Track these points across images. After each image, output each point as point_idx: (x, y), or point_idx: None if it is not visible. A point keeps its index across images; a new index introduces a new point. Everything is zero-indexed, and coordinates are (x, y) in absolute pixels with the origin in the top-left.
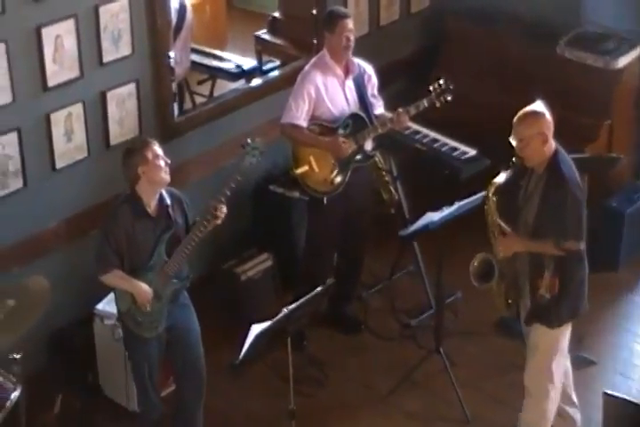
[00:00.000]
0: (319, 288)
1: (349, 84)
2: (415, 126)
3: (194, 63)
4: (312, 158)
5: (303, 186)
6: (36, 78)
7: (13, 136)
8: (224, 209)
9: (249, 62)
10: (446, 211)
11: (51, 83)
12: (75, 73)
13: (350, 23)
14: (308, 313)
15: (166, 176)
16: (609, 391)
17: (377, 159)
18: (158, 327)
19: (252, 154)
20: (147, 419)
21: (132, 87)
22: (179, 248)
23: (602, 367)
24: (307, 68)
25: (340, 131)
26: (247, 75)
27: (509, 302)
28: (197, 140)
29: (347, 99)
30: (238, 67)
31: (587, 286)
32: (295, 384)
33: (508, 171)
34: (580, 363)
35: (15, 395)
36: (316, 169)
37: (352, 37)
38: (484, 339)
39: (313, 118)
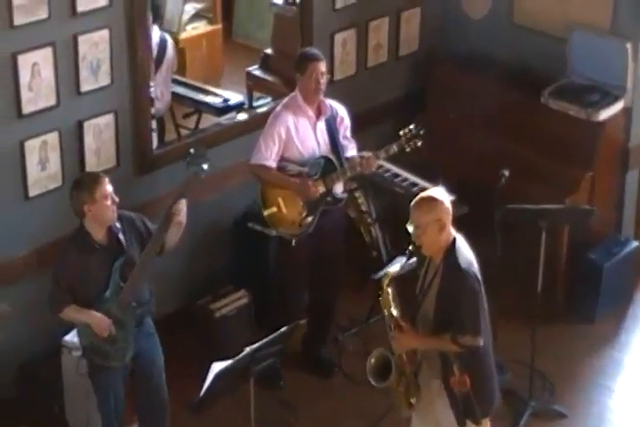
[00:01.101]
0: (283, 328)
1: (321, 125)
2: (395, 169)
3: (180, 96)
4: (280, 200)
5: (272, 227)
6: (10, 105)
7: None
8: (184, 209)
9: (236, 97)
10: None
11: (26, 110)
12: (51, 101)
13: (322, 66)
14: (273, 353)
15: (113, 215)
16: None
17: (360, 201)
18: (126, 355)
19: (195, 163)
20: None
21: (109, 118)
22: (134, 270)
23: (573, 421)
24: (278, 108)
25: (310, 173)
26: (233, 110)
27: (411, 401)
28: (176, 173)
29: (317, 140)
30: (225, 101)
31: (496, 380)
32: (264, 425)
33: (404, 260)
34: (551, 415)
35: None
36: (284, 210)
37: (322, 80)
38: None
39: (282, 159)
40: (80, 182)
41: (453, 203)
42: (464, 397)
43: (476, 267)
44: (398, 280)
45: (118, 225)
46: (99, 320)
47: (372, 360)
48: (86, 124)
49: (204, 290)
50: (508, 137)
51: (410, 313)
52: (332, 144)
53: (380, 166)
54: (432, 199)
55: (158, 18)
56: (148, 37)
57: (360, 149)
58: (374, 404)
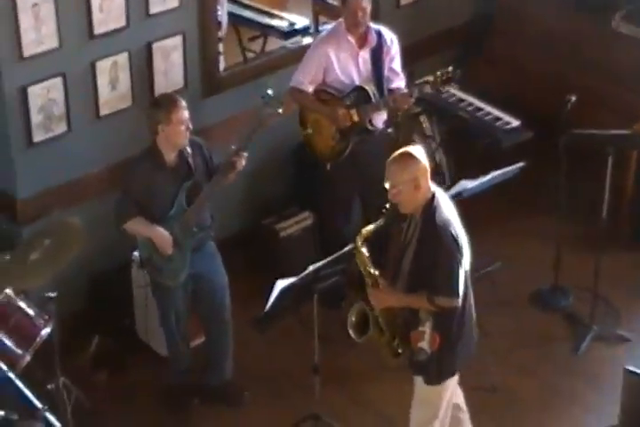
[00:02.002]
0: (345, 248)
1: (364, 55)
2: (460, 94)
3: (246, 20)
4: (315, 123)
5: (308, 149)
6: (82, 26)
7: (58, 81)
8: (243, 160)
9: (302, 21)
10: (480, 180)
11: (97, 31)
12: (121, 23)
13: (363, 2)
14: (335, 272)
15: (185, 141)
16: (631, 368)
17: (424, 126)
18: (180, 276)
19: (271, 104)
20: (175, 366)
21: (178, 40)
22: (199, 197)
23: (637, 346)
24: (322, 35)
25: (346, 102)
26: (298, 34)
27: (399, 351)
28: (240, 96)
29: (358, 70)
30: (291, 25)
31: (473, 340)
32: (327, 343)
33: (380, 219)
34: (614, 339)
35: (46, 332)
36: (319, 134)
37: (361, 15)
38: (519, 310)
39: (324, 84)
40: (159, 102)
41: (518, 128)
42: (428, 354)
43: (454, 225)
44: (380, 235)
45: (189, 150)
46: (162, 236)
47: (352, 317)
48: (155, 46)
49: (269, 211)
50: (576, 63)
51: (391, 269)
52: (375, 75)
53: (445, 91)
54: (408, 157)
55: None
56: None
57: (423, 75)
58: None
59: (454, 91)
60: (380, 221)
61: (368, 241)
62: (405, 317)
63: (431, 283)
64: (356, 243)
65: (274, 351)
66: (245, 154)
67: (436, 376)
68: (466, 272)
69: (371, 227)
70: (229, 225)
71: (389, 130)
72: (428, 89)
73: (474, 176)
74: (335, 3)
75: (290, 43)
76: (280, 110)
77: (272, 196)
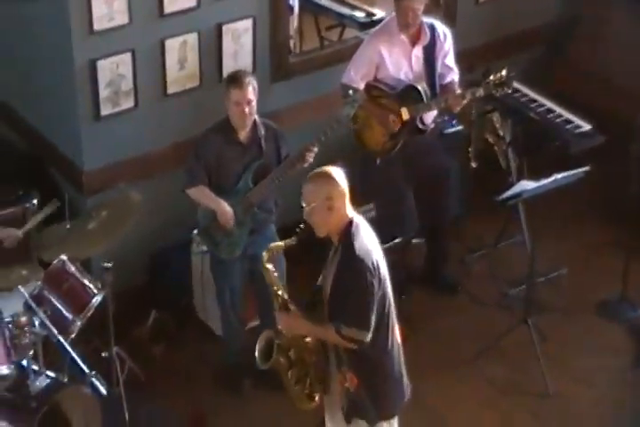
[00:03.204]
0: (396, 240)
1: (417, 52)
2: (532, 94)
3: (325, 8)
4: (366, 120)
5: (357, 144)
6: (153, 3)
7: (127, 57)
8: (313, 154)
9: (381, 13)
10: (541, 182)
11: (167, 9)
12: (192, 3)
13: (414, 3)
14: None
15: (244, 122)
16: None
17: (496, 125)
18: (235, 251)
19: (352, 105)
20: (229, 346)
21: (248, 23)
22: (265, 179)
23: None
24: (374, 30)
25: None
26: (376, 25)
27: (314, 396)
28: (310, 83)
29: (411, 67)
30: (368, 16)
31: (400, 383)
32: None
33: (292, 237)
34: None
35: (97, 299)
36: (369, 130)
37: (412, 15)
38: (583, 318)
39: (375, 80)
40: (228, 77)
41: (589, 132)
42: (354, 395)
43: (373, 256)
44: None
45: (263, 132)
46: (224, 210)
47: (262, 343)
48: (225, 28)
49: None
50: None
51: (318, 295)
52: (428, 72)
53: (518, 91)
54: (326, 177)
55: None
56: None
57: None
58: (494, 326)
59: (527, 91)
60: (292, 239)
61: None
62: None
63: (342, 312)
64: (262, 260)
65: None
66: (316, 149)
67: (366, 416)
68: (388, 307)
69: (280, 243)
70: (294, 212)
71: (460, 127)
72: (480, 92)
73: (539, 178)
74: None
75: (365, 33)
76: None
77: None
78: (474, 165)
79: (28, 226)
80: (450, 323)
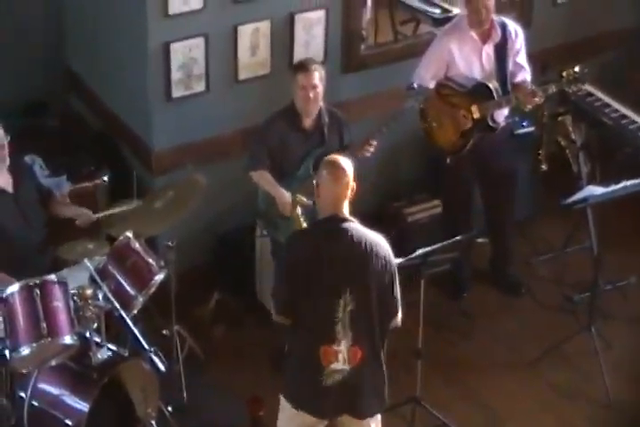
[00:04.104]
0: (458, 237)
1: (487, 49)
2: (607, 99)
3: (401, 2)
4: (437, 118)
5: (429, 142)
6: None
7: (200, 41)
8: (373, 146)
9: (457, 10)
10: (609, 188)
11: None
12: None
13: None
14: (446, 260)
15: (310, 108)
16: None
17: (569, 128)
18: None
19: (415, 98)
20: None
21: (321, 14)
22: None
23: None
24: (444, 28)
25: (467, 97)
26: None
27: None
28: (380, 76)
29: (482, 65)
30: (444, 12)
31: (310, 374)
32: (441, 330)
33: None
34: None
35: (159, 277)
36: (440, 128)
37: (485, 12)
38: None
39: (445, 79)
40: (296, 65)
41: None
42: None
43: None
44: None
45: (327, 120)
46: (283, 198)
47: None
48: (297, 17)
49: (400, 195)
50: None
51: None
52: (499, 70)
53: (592, 94)
54: (339, 167)
55: None
56: None
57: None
58: (557, 330)
59: (601, 95)
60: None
61: None
62: None
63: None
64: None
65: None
66: (375, 142)
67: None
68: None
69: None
70: (359, 203)
71: (532, 129)
72: (553, 89)
73: (609, 184)
74: None
75: (438, 30)
76: (422, 105)
77: (406, 180)
78: (544, 167)
79: (103, 213)
80: (512, 324)
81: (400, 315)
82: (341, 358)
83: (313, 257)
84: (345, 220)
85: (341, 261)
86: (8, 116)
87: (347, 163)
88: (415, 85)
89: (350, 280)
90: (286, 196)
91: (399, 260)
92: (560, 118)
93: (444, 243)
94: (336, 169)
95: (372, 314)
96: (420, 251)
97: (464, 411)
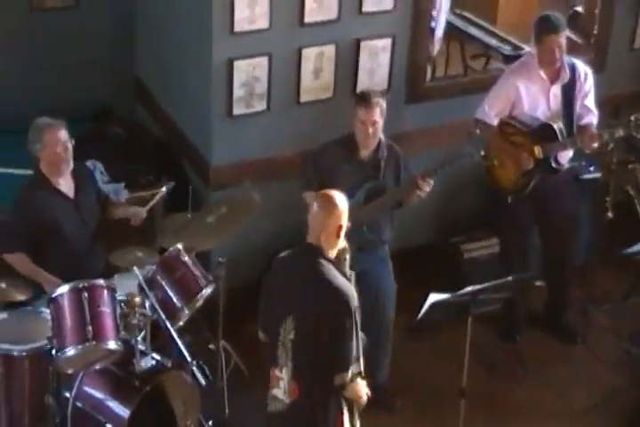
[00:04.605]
0: (510, 277)
1: (555, 90)
2: None
3: (472, 37)
4: (499, 156)
5: (491, 180)
6: (294, 12)
7: (264, 60)
8: (428, 185)
9: (529, 49)
10: None
11: (308, 19)
12: (332, 15)
13: (560, 38)
14: (496, 299)
15: (367, 141)
16: None
17: (638, 177)
18: None
19: (475, 144)
20: None
21: (387, 42)
22: (377, 200)
23: None
24: (513, 66)
25: (531, 138)
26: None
27: None
28: (444, 109)
29: (548, 105)
30: (515, 49)
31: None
32: (490, 371)
33: None
34: None
35: (207, 291)
36: (502, 168)
37: (558, 51)
38: None
39: (509, 117)
40: (359, 95)
41: None
42: None
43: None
44: None
45: (385, 154)
46: None
47: None
48: (363, 44)
49: (458, 230)
50: None
51: None
52: (565, 111)
53: None
54: (331, 202)
55: None
56: None
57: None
58: (610, 382)
59: None
60: None
61: None
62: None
63: None
64: None
65: (434, 366)
66: (431, 181)
67: None
68: None
69: None
70: (417, 236)
71: (598, 174)
72: (620, 133)
73: None
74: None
75: (508, 67)
76: (481, 153)
77: (466, 216)
78: (610, 215)
79: (150, 204)
80: (564, 372)
81: (349, 375)
82: (282, 386)
83: (277, 276)
84: (319, 253)
85: (294, 287)
86: (76, 120)
87: (341, 200)
88: (478, 131)
89: (295, 309)
90: None
91: (448, 295)
92: (630, 166)
93: (495, 282)
94: (328, 203)
95: (315, 355)
96: (469, 288)
97: None
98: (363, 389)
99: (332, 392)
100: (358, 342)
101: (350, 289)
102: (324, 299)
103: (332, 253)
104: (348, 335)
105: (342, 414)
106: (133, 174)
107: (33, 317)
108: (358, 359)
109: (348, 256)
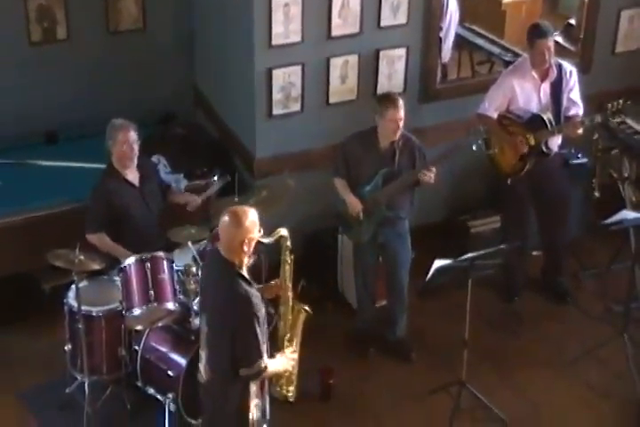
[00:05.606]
0: (502, 246)
1: (545, 87)
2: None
3: (479, 46)
4: (499, 144)
5: (493, 166)
6: (322, 27)
7: (298, 69)
8: (432, 172)
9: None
10: None
11: (334, 33)
12: (355, 29)
13: (549, 42)
14: (491, 265)
15: (392, 135)
16: None
17: (622, 164)
18: (362, 237)
19: (474, 136)
20: (360, 317)
21: (402, 51)
22: (393, 183)
23: None
24: (509, 68)
25: (525, 127)
26: None
27: None
28: (453, 107)
29: (539, 100)
30: (515, 56)
31: None
32: (492, 327)
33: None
34: None
35: (250, 262)
36: (502, 154)
37: (548, 54)
38: None
39: (506, 111)
40: (381, 97)
41: None
42: None
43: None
44: None
45: (400, 144)
46: (352, 203)
47: None
48: (382, 53)
49: (468, 209)
50: None
51: None
52: (554, 104)
53: (638, 133)
54: (237, 218)
55: None
56: None
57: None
58: (595, 335)
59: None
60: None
61: None
62: None
63: None
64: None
65: (446, 321)
66: (434, 169)
67: None
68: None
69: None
70: (431, 215)
71: (585, 160)
72: (598, 118)
73: None
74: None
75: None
76: (480, 143)
77: (473, 197)
78: (597, 195)
79: (206, 194)
80: (557, 327)
81: (256, 368)
82: (201, 368)
83: (202, 270)
84: (227, 263)
85: (207, 290)
86: (145, 123)
87: (251, 216)
88: (480, 128)
89: (206, 308)
90: (355, 202)
91: (450, 260)
92: (613, 153)
93: (489, 250)
94: (236, 218)
95: (220, 351)
96: (468, 254)
97: (506, 398)
98: (279, 367)
99: (238, 382)
100: (264, 334)
101: (251, 297)
102: (230, 309)
103: (242, 263)
104: (250, 337)
105: (248, 399)
106: (191, 166)
107: (108, 284)
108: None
109: (288, 243)
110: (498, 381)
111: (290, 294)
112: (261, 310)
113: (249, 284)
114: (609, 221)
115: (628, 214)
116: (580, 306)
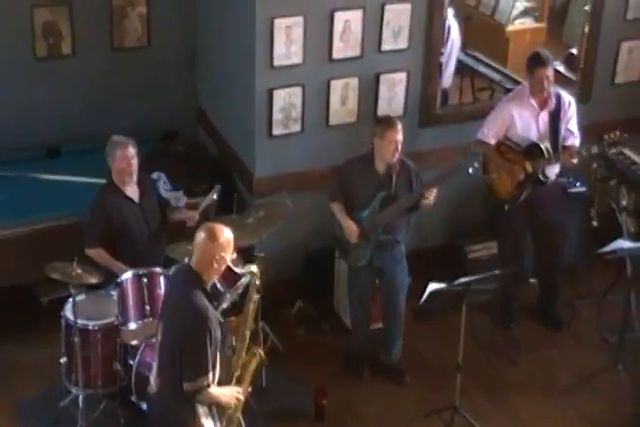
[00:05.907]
0: (497, 271)
1: (543, 116)
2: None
3: (480, 73)
4: (497, 170)
5: (490, 192)
6: (324, 50)
7: (298, 90)
8: (432, 194)
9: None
10: (638, 244)
11: (335, 56)
12: (356, 53)
13: (548, 71)
14: (486, 290)
15: (391, 158)
16: None
17: (620, 194)
18: (359, 261)
19: (472, 157)
20: (355, 338)
21: (402, 76)
22: (390, 207)
23: None
24: (508, 96)
25: (522, 155)
26: None
27: None
28: (452, 132)
29: (538, 129)
30: (516, 84)
31: None
32: (489, 354)
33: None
34: None
35: (245, 280)
36: (499, 180)
37: (547, 83)
38: None
39: (505, 138)
40: (381, 120)
41: None
42: None
43: None
44: None
45: (397, 167)
46: (349, 228)
47: None
48: (382, 77)
49: (466, 234)
50: None
51: None
52: (552, 133)
53: (636, 163)
54: (213, 235)
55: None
56: (442, 12)
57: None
58: (591, 364)
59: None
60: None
61: None
62: None
63: None
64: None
65: (442, 345)
66: (435, 190)
67: None
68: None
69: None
70: (430, 238)
71: (584, 189)
72: (595, 149)
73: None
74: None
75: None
76: (476, 166)
77: (472, 222)
78: (595, 224)
79: (200, 208)
80: (552, 354)
81: (198, 384)
82: (152, 380)
83: (169, 282)
84: (194, 277)
85: (169, 300)
86: (147, 141)
87: (226, 234)
88: (478, 149)
89: (164, 318)
90: (352, 226)
91: (444, 284)
92: (611, 183)
93: (483, 275)
94: (212, 234)
95: (171, 361)
96: (462, 279)
97: (499, 425)
98: (221, 395)
99: (184, 396)
100: (215, 356)
101: (208, 313)
102: (185, 318)
103: (209, 278)
104: (198, 350)
105: (195, 416)
106: (191, 184)
107: (105, 298)
108: (214, 370)
109: (257, 282)
110: (492, 406)
111: (248, 333)
112: (216, 331)
113: (210, 301)
114: (605, 249)
115: (623, 244)
116: (575, 334)
